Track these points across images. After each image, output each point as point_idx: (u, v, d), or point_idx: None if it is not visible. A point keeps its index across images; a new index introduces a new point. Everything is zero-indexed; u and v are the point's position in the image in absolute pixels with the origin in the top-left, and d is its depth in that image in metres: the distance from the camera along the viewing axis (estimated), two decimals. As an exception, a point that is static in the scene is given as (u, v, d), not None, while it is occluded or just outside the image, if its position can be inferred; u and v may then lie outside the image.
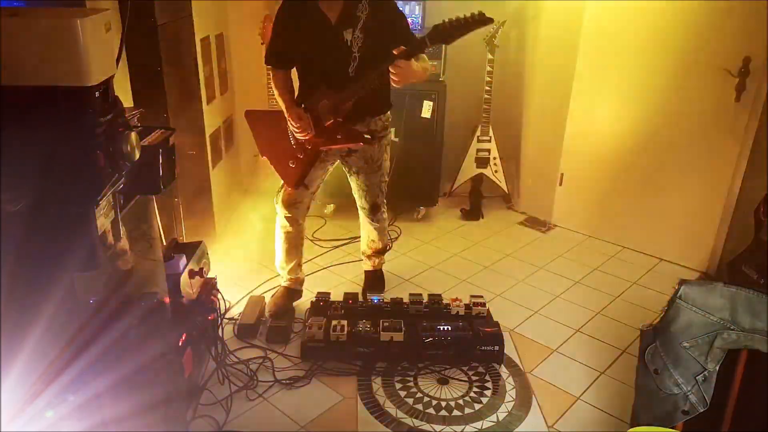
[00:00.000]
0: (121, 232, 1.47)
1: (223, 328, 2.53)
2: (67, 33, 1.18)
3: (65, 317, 1.28)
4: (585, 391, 2.41)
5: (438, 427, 2.20)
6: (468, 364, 2.53)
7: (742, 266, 2.79)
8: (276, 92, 2.59)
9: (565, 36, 3.58)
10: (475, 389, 2.41)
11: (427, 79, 2.50)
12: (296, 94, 2.59)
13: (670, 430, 1.69)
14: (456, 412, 2.28)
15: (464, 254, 3.53)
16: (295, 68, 2.59)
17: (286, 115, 2.51)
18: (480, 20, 2.16)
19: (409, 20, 3.48)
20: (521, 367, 2.55)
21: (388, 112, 2.65)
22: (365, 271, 3.16)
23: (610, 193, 3.64)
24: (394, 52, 2.24)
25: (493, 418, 2.26)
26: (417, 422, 2.22)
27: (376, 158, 2.66)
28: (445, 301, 2.77)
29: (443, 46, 3.57)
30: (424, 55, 2.45)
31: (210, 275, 2.53)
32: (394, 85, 2.36)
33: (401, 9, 2.54)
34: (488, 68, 3.71)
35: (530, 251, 3.60)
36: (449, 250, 3.58)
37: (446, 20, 2.20)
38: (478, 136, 3.92)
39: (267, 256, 3.13)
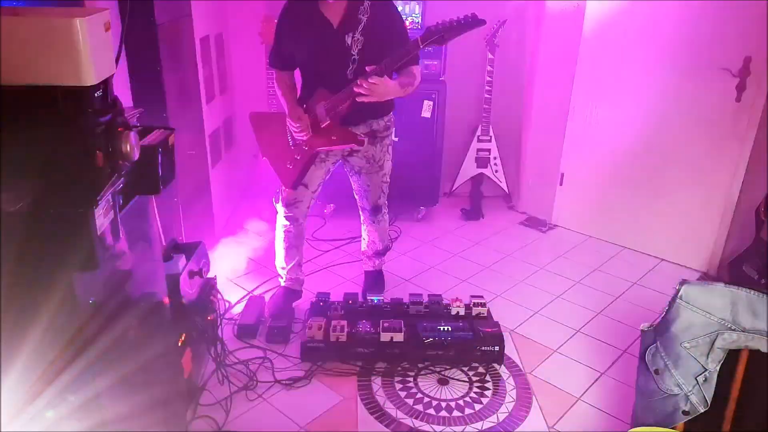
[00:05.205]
0: (121, 232, 1.47)
1: (222, 329, 2.53)
2: (67, 33, 1.18)
3: (65, 317, 1.28)
4: (585, 392, 2.41)
5: (438, 428, 2.20)
6: (468, 365, 2.53)
7: (743, 266, 2.80)
8: (278, 92, 2.61)
9: (565, 36, 3.58)
10: (475, 390, 2.41)
11: (408, 94, 2.49)
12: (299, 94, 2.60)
13: (671, 430, 1.69)
14: (456, 413, 2.28)
15: (464, 254, 3.53)
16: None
17: (287, 115, 2.52)
18: (472, 22, 2.17)
19: (409, 20, 3.50)
20: (521, 368, 2.54)
21: (391, 113, 2.65)
22: (365, 272, 3.15)
23: (610, 193, 3.64)
24: (367, 69, 2.25)
25: (494, 418, 2.26)
26: (417, 423, 2.22)
27: (377, 158, 2.66)
28: (445, 301, 2.77)
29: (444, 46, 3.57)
30: (415, 69, 2.45)
31: (210, 275, 2.53)
32: (361, 100, 2.32)
33: (401, 9, 2.54)
34: (488, 68, 3.71)
35: (530, 251, 3.60)
36: (449, 250, 3.58)
37: (439, 22, 2.21)
38: (478, 136, 3.92)
39: (267, 256, 3.13)
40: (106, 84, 1.32)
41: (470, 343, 2.51)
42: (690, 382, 1.67)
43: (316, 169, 2.62)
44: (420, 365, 2.52)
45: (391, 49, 2.31)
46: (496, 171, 4.00)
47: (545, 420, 2.25)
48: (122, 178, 1.41)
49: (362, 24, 2.37)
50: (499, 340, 2.52)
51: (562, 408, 2.32)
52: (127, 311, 1.51)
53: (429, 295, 2.82)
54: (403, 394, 2.37)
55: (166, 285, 1.95)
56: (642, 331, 1.79)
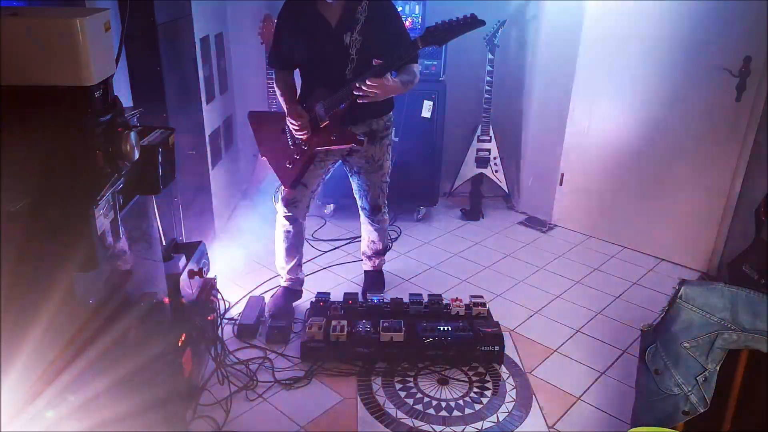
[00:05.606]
0: (121, 232, 1.47)
1: (222, 329, 2.53)
2: (67, 33, 1.18)
3: (65, 317, 1.28)
4: (585, 392, 2.41)
5: (438, 428, 2.20)
6: (468, 365, 2.53)
7: (743, 266, 2.79)
8: (278, 91, 2.61)
9: (565, 36, 3.58)
10: (475, 390, 2.41)
11: (408, 89, 2.50)
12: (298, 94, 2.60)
13: (671, 430, 1.69)
14: (456, 413, 2.28)
15: (464, 254, 3.53)
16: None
17: (286, 114, 2.52)
18: (472, 23, 2.17)
19: (409, 20, 3.50)
20: (521, 368, 2.54)
21: (390, 113, 2.65)
22: (365, 271, 3.15)
23: (610, 193, 3.64)
24: (374, 62, 2.26)
25: (493, 418, 2.26)
26: (417, 423, 2.22)
27: (377, 158, 2.66)
28: (445, 301, 2.77)
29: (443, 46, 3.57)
30: (415, 67, 2.46)
31: (210, 275, 2.53)
32: (362, 101, 2.34)
33: (401, 9, 2.54)
34: (488, 68, 3.71)
35: (530, 251, 3.60)
36: (449, 250, 3.58)
37: (438, 22, 2.21)
38: (478, 136, 3.92)
39: (267, 256, 3.13)
40: (106, 84, 1.32)
41: (470, 343, 2.51)
42: (690, 382, 1.67)
43: (316, 169, 2.62)
44: (420, 365, 2.52)
45: (389, 48, 2.31)
46: (496, 171, 4.00)
47: (545, 420, 2.25)
48: (122, 178, 1.41)
49: (360, 23, 2.37)
50: (499, 340, 2.52)
51: (562, 408, 2.32)
52: (127, 311, 1.51)
53: (429, 295, 2.82)
54: (403, 394, 2.37)
55: (166, 285, 1.95)
56: (642, 331, 1.80)
